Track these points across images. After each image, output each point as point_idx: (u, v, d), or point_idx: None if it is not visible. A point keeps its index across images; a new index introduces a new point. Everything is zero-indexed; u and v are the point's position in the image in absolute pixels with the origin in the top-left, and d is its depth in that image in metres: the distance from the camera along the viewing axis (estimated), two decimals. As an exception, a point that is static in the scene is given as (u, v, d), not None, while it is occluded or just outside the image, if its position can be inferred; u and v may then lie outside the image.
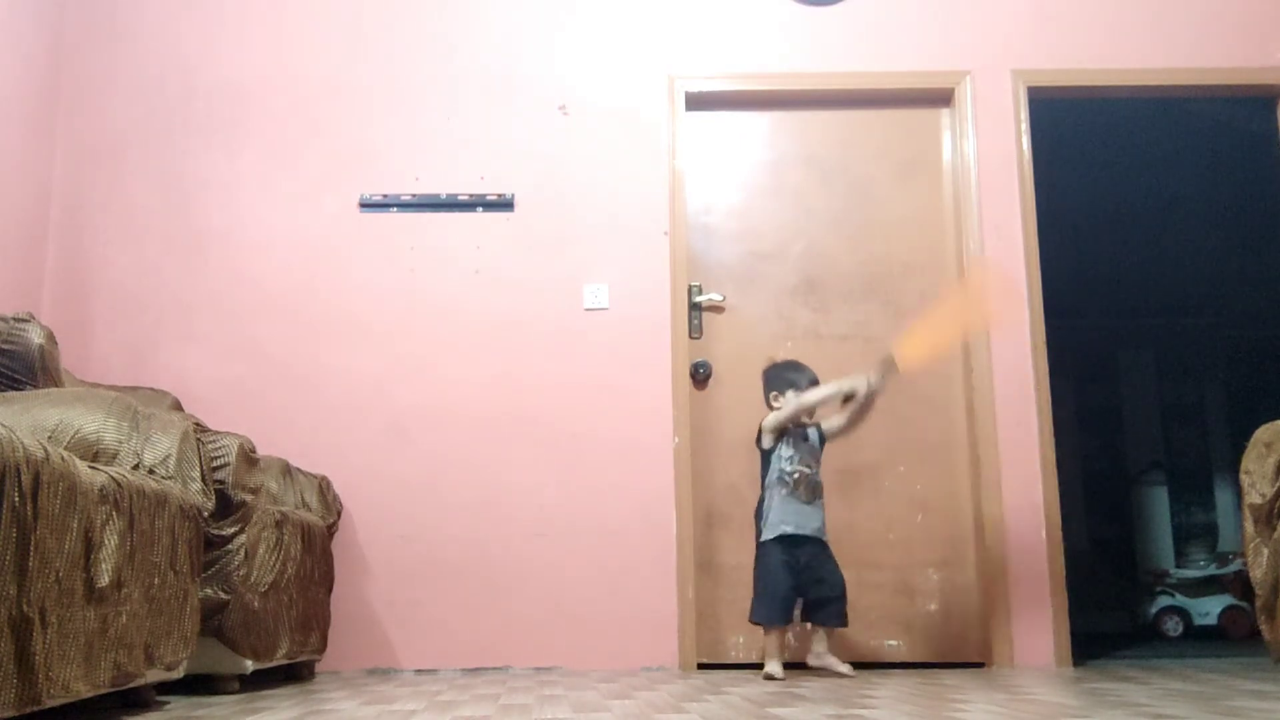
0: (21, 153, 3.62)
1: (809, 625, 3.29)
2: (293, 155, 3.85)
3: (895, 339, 3.31)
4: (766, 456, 3.28)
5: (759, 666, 3.21)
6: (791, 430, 3.24)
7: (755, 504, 3.31)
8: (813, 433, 3.30)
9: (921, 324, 3.26)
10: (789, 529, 3.18)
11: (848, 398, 3.21)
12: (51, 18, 3.82)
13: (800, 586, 3.18)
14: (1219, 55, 3.91)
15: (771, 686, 2.84)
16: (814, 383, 3.25)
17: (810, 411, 3.24)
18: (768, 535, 3.21)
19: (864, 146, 3.96)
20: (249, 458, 2.78)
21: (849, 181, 3.93)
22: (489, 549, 3.60)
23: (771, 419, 3.25)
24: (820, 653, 3.22)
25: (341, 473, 3.60)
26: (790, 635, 3.40)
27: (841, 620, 3.20)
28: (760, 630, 3.24)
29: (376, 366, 3.71)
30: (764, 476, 3.28)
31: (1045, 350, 3.72)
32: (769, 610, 3.16)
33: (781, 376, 3.32)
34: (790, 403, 3.23)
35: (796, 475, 3.20)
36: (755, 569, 3.25)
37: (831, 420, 3.31)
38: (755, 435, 3.33)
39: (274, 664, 2.88)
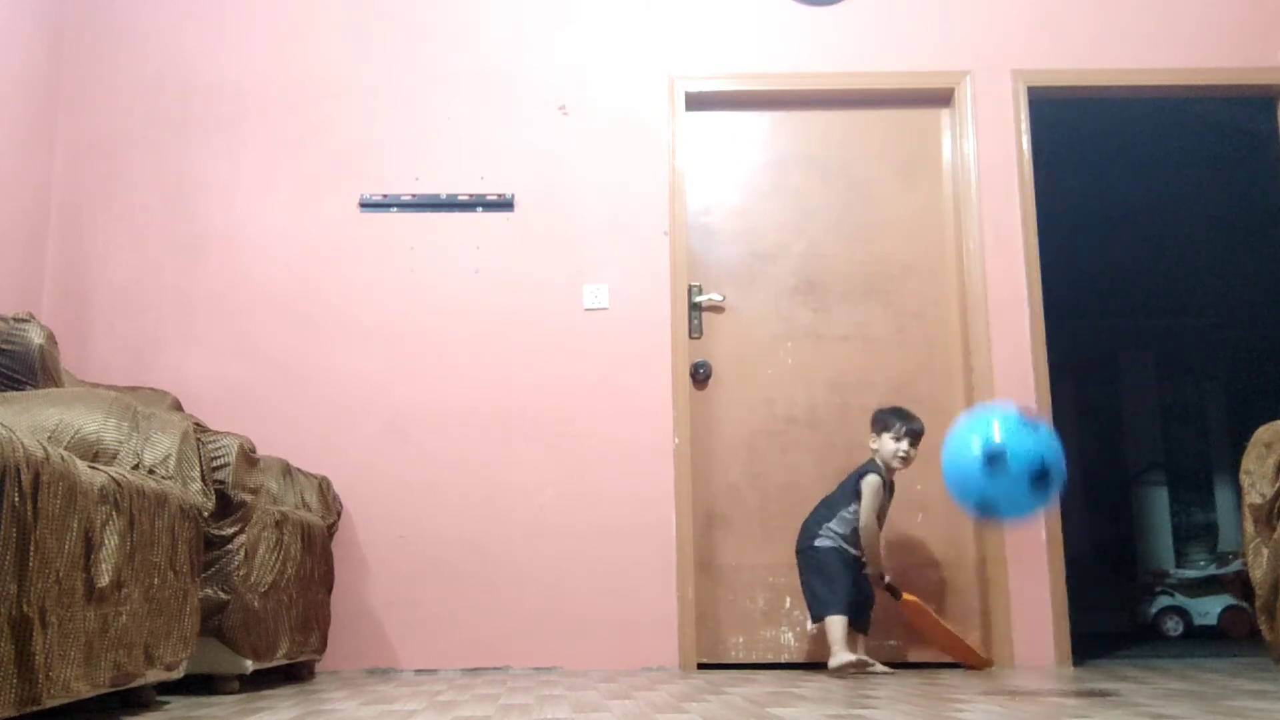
0: (21, 153, 3.62)
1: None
2: (293, 155, 3.85)
3: (921, 597, 3.47)
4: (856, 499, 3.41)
5: (759, 667, 3.22)
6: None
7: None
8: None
9: (942, 623, 3.44)
10: (850, 548, 3.34)
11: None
12: (51, 18, 3.82)
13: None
14: (1219, 55, 3.91)
15: (772, 686, 2.83)
16: (914, 432, 3.40)
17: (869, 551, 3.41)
18: (827, 544, 3.33)
19: (864, 146, 3.96)
20: (249, 458, 2.78)
21: (849, 181, 3.93)
22: (489, 549, 3.60)
23: (867, 518, 3.36)
24: (860, 655, 3.37)
25: (341, 473, 3.61)
26: (791, 635, 3.40)
27: (866, 627, 3.38)
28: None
29: (376, 366, 3.71)
30: (844, 504, 3.38)
31: (1045, 350, 3.72)
32: (838, 600, 3.29)
33: (883, 418, 3.45)
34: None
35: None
36: (812, 571, 3.35)
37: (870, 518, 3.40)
38: (856, 479, 3.41)
39: (274, 664, 2.88)
